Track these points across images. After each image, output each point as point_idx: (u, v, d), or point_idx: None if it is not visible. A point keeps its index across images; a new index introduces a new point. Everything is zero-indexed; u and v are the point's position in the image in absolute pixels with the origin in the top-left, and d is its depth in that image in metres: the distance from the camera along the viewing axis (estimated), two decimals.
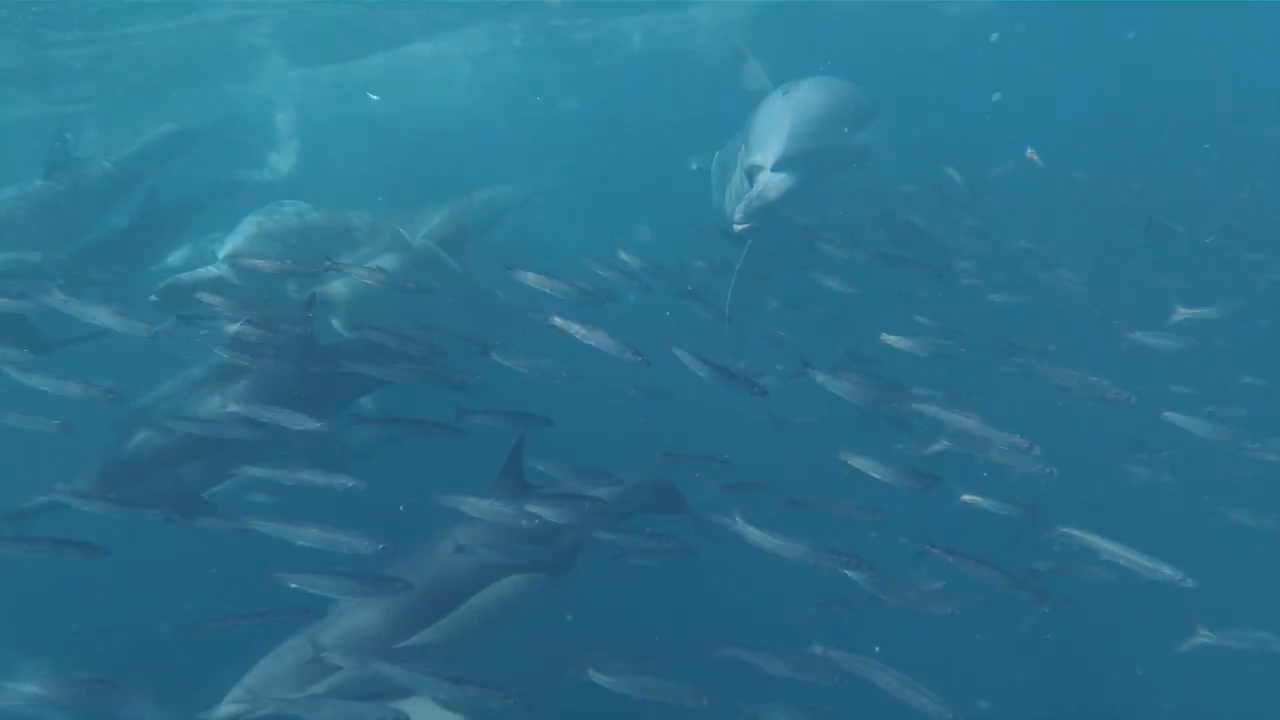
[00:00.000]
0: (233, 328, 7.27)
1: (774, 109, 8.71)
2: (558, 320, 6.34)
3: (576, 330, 6.30)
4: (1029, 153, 12.33)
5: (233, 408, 6.83)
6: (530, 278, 6.61)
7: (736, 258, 9.65)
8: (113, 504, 6.22)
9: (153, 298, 6.99)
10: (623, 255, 7.78)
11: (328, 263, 7.22)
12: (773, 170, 8.34)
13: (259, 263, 7.30)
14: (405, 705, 5.34)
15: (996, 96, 16.36)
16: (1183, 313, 8.59)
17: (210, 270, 7.23)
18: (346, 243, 8.33)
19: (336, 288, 8.73)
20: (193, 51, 16.36)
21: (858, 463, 6.43)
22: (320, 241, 7.95)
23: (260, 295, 7.47)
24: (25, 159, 11.17)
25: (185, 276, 7.14)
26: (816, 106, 8.62)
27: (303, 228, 7.79)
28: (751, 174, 8.60)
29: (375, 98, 16.45)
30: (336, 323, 8.52)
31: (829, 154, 8.62)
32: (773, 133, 8.43)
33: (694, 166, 12.86)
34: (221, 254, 7.31)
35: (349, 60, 19.94)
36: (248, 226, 7.52)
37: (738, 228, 8.44)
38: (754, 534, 6.00)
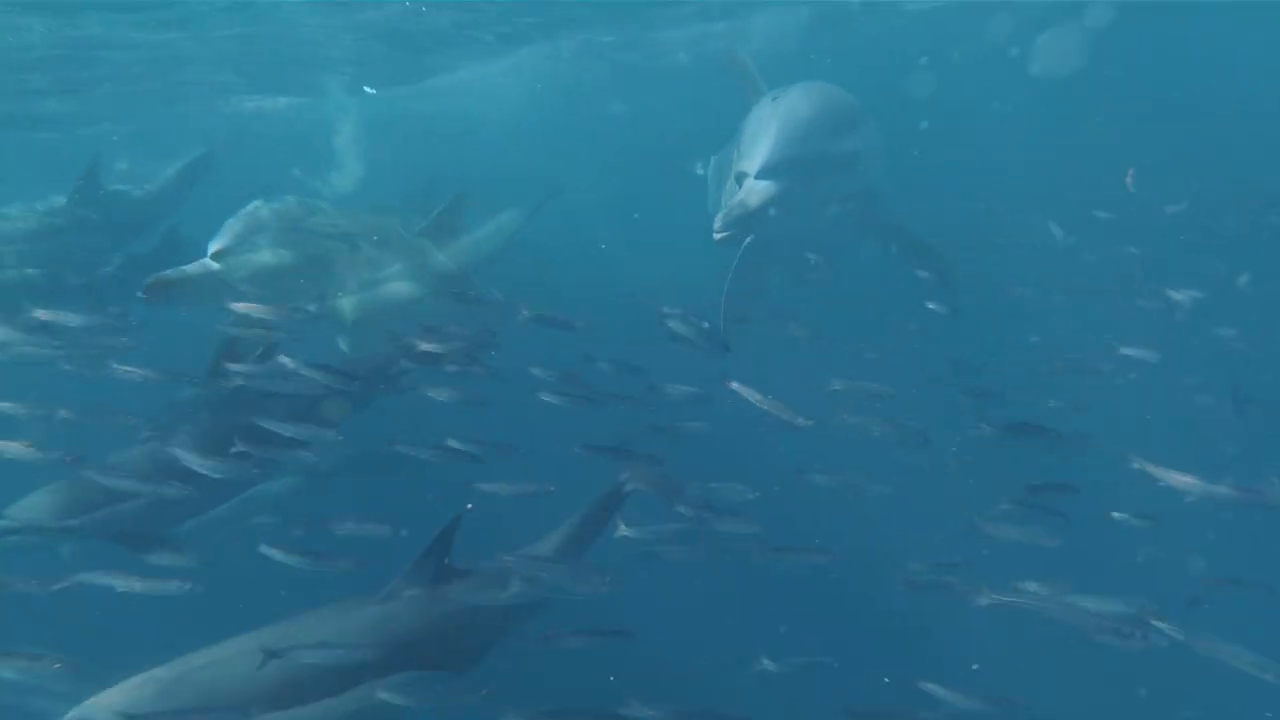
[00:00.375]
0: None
1: (762, 115, 8.69)
2: (734, 385, 6.78)
3: (750, 395, 6.71)
4: (1128, 176, 12.30)
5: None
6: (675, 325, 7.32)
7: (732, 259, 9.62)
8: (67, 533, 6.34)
9: (140, 294, 6.88)
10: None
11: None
12: (757, 177, 8.24)
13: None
14: None
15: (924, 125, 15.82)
16: None
17: (199, 266, 6.99)
18: (346, 244, 8.09)
19: (344, 303, 8.93)
20: (250, 60, 16.50)
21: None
22: (315, 239, 7.72)
23: (251, 291, 7.40)
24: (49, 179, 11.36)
25: (173, 272, 6.91)
26: (803, 113, 8.56)
27: (297, 225, 7.54)
28: (740, 180, 8.55)
29: (372, 91, 16.53)
30: (342, 340, 8.65)
31: (816, 160, 8.52)
32: (759, 140, 8.38)
33: (699, 171, 13.02)
34: (211, 250, 7.12)
35: (406, 84, 20.20)
36: (238, 222, 7.29)
37: (717, 236, 8.34)
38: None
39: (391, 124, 21.48)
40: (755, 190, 8.23)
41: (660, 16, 17.95)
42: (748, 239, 8.83)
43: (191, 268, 7.09)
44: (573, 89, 22.09)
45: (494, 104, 22.21)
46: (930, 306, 8.81)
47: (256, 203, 7.61)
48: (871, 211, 9.76)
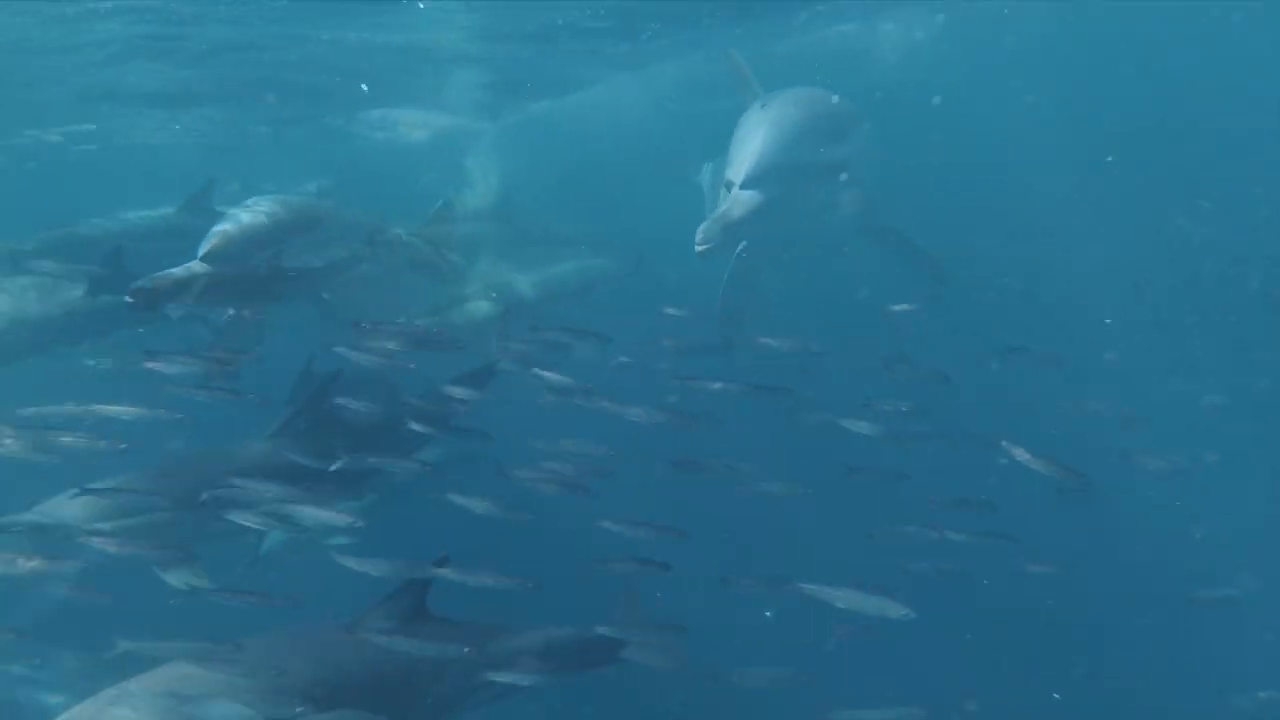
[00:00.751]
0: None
1: (749, 124, 8.68)
2: (1010, 447, 6.49)
3: (1022, 454, 6.43)
4: None
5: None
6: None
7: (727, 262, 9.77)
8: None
9: (127, 298, 6.79)
10: None
11: None
12: (741, 187, 8.20)
13: None
14: None
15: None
16: None
17: (185, 269, 6.92)
18: (346, 243, 8.08)
19: (481, 307, 9.72)
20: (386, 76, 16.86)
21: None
22: (311, 240, 7.66)
23: (242, 293, 7.44)
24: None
25: (158, 276, 6.83)
26: (790, 122, 8.56)
27: (290, 226, 7.48)
28: (729, 189, 8.57)
29: (365, 88, 16.65)
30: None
31: (801, 169, 8.48)
32: (744, 149, 8.36)
33: (697, 178, 13.16)
34: (200, 251, 6.96)
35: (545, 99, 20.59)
36: (227, 224, 7.22)
37: (698, 249, 8.21)
38: None
39: (525, 137, 21.96)
40: (739, 202, 8.16)
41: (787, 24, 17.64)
42: (741, 245, 8.87)
43: (178, 271, 6.89)
44: (701, 93, 21.98)
45: (623, 111, 22.21)
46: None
47: (249, 202, 7.54)
48: (865, 216, 9.77)
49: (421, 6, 13.09)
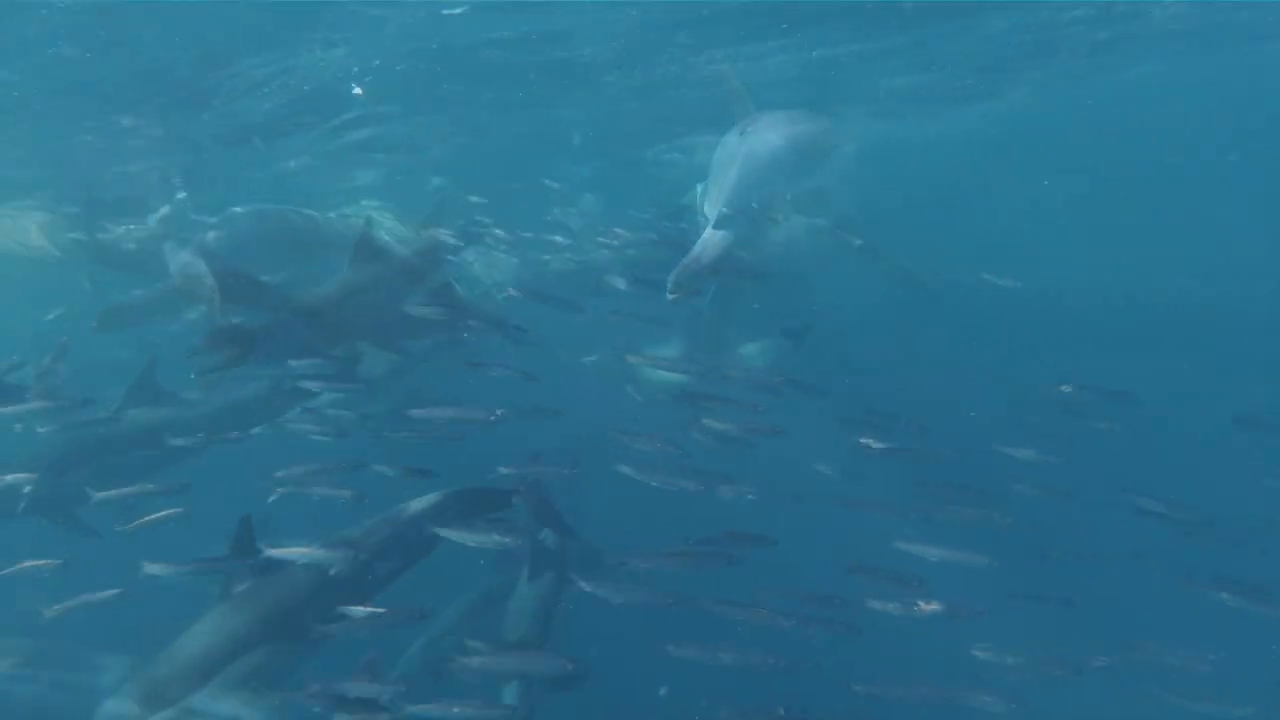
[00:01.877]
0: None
1: (726, 155, 8.62)
2: None
3: None
4: None
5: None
6: None
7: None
8: None
9: (93, 324, 7.36)
10: None
11: None
12: (715, 227, 8.00)
13: None
14: None
15: None
16: None
17: (148, 291, 7.37)
18: (322, 253, 8.00)
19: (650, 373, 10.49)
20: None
21: None
22: (280, 252, 7.71)
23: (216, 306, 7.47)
24: None
25: (122, 299, 7.34)
26: (766, 154, 8.42)
27: (261, 237, 7.62)
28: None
29: (359, 91, 15.61)
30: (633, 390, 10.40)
31: (777, 201, 8.32)
32: (720, 184, 8.28)
33: (693, 199, 12.52)
34: (172, 269, 7.33)
35: None
36: (202, 242, 7.53)
37: (670, 297, 7.87)
38: None
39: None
40: (710, 244, 7.87)
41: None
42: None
43: (139, 294, 7.40)
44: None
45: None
46: None
47: (226, 213, 7.75)
48: (847, 235, 9.68)
49: None
